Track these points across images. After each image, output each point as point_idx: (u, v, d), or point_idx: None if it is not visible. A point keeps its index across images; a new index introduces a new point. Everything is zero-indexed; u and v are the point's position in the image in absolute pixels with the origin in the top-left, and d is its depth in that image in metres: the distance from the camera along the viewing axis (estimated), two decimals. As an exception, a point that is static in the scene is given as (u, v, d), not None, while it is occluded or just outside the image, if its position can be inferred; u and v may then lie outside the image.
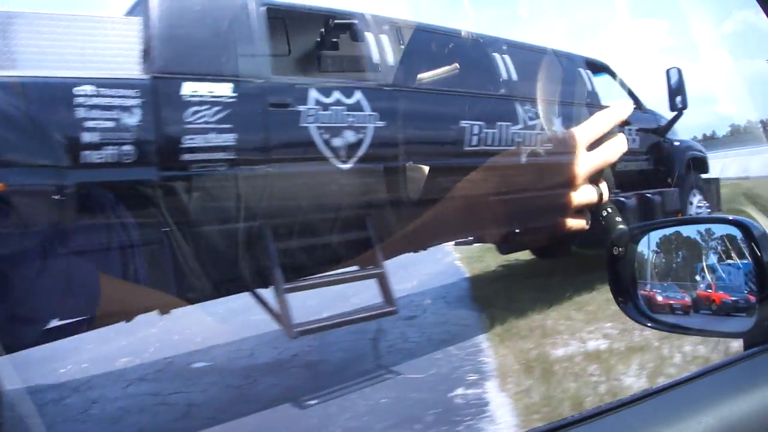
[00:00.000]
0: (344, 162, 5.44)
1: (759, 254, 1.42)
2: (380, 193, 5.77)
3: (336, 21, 6.14)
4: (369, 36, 5.98)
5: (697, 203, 9.31)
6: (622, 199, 8.07)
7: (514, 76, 7.09)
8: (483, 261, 11.09)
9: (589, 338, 5.95)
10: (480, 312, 7.60)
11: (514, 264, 10.85)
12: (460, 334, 6.71)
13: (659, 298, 1.69)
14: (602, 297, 7.26)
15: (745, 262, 1.48)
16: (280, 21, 5.72)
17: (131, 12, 5.20)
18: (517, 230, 8.19)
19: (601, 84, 9.10)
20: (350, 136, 5.48)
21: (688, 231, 1.71)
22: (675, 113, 8.99)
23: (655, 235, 1.77)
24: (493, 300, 7.99)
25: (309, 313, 5.83)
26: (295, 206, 5.23)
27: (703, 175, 9.86)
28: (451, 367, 5.66)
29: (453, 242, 9.15)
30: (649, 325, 1.73)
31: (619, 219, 7.81)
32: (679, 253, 1.73)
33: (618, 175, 8.28)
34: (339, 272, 5.68)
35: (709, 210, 9.44)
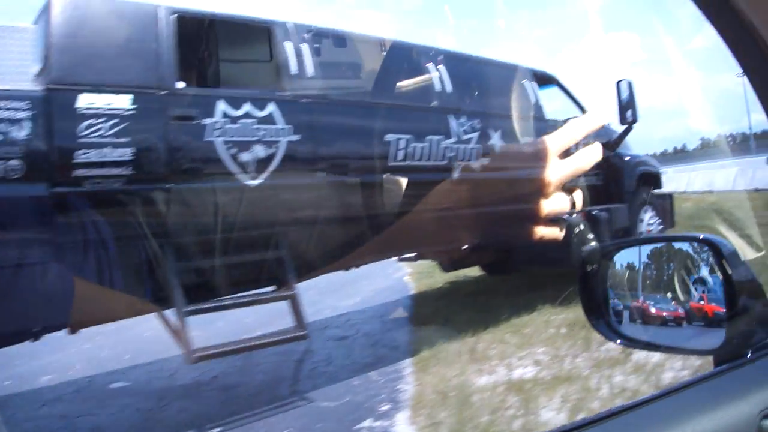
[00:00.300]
0: (253, 178, 5.26)
1: (728, 272, 1.44)
2: (295, 211, 5.60)
3: (252, 30, 5.98)
4: (287, 45, 5.80)
5: (648, 220, 9.18)
6: (565, 216, 7.94)
7: (449, 88, 6.94)
8: (432, 277, 10.94)
9: (518, 365, 5.80)
10: (412, 333, 7.46)
11: (462, 281, 10.70)
12: (387, 357, 6.56)
13: (652, 310, 1.67)
14: (542, 318, 7.16)
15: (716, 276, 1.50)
16: (191, 30, 5.52)
17: (37, 21, 5.02)
18: (464, 247, 8.11)
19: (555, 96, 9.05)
20: (260, 151, 5.29)
21: (660, 248, 1.76)
22: (625, 127, 8.87)
23: (627, 253, 1.79)
24: (430, 320, 7.86)
25: (243, 330, 5.70)
26: (199, 224, 5.05)
27: (656, 191, 9.73)
28: (366, 395, 5.50)
29: (397, 258, 9.03)
30: (619, 342, 1.74)
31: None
32: (651, 270, 1.74)
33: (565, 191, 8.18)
34: (246, 294, 5.49)
35: (661, 227, 9.32)
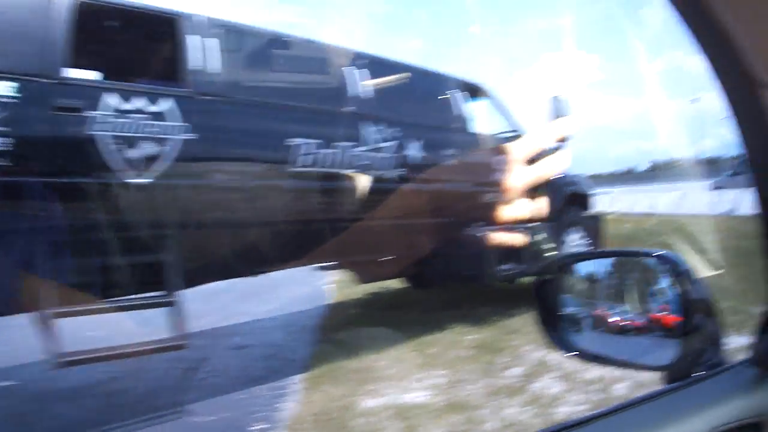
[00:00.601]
0: (142, 176, 5.10)
1: (683, 289, 1.47)
2: (187, 214, 5.44)
3: (157, 20, 5.80)
4: (192, 39, 5.64)
5: (574, 240, 9.13)
6: (480, 233, 7.89)
7: (367, 93, 6.82)
8: (354, 287, 10.78)
9: (413, 388, 5.68)
10: (315, 346, 7.31)
11: (383, 292, 10.60)
12: (282, 370, 6.42)
13: (607, 322, 1.69)
14: (450, 338, 7.09)
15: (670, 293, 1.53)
16: (91, 16, 5.31)
17: None
18: (379, 259, 8.00)
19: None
20: (151, 148, 5.14)
21: (618, 262, 1.80)
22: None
23: (585, 266, 1.84)
24: (337, 333, 7.73)
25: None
26: (78, 222, 4.87)
27: (585, 212, 9.69)
28: (246, 411, 5.35)
29: (313, 266, 8.87)
30: (572, 354, 1.74)
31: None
32: (608, 283, 1.77)
33: (488, 208, 8.12)
34: (122, 299, 5.31)
35: (588, 248, 9.27)
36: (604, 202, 16.82)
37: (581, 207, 9.58)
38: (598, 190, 11.29)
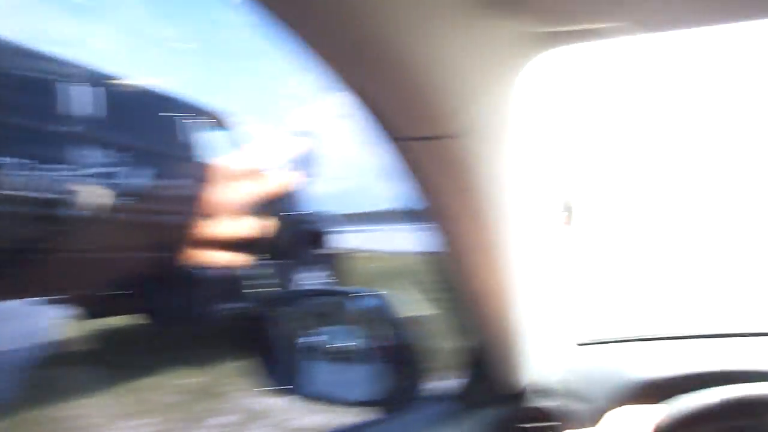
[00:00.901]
0: None
1: (395, 328, 1.52)
2: None
3: None
4: None
5: (304, 279, 9.07)
6: (196, 269, 7.68)
7: (89, 113, 6.45)
8: (80, 323, 10.25)
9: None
10: (18, 390, 6.75)
11: (113, 329, 9.94)
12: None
13: (324, 361, 1.69)
14: (167, 381, 6.87)
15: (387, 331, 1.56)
16: None
17: None
18: (97, 294, 7.59)
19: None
20: None
21: (334, 301, 1.80)
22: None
23: (305, 303, 1.84)
24: (47, 375, 7.22)
25: None
26: None
27: (323, 249, 9.69)
28: None
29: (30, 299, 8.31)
30: (293, 394, 1.71)
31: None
32: (326, 321, 1.76)
33: (205, 240, 7.92)
34: None
35: (322, 287, 9.26)
36: (357, 240, 17.11)
37: (319, 244, 9.57)
38: (353, 227, 11.41)
